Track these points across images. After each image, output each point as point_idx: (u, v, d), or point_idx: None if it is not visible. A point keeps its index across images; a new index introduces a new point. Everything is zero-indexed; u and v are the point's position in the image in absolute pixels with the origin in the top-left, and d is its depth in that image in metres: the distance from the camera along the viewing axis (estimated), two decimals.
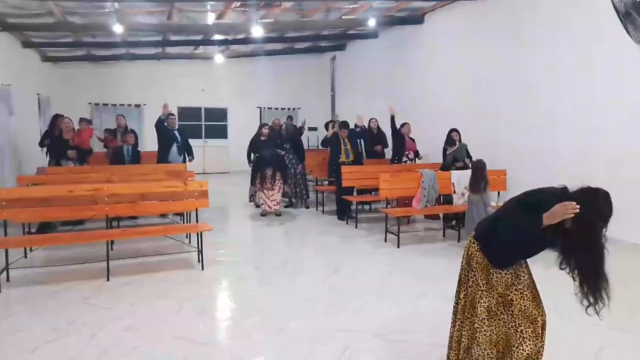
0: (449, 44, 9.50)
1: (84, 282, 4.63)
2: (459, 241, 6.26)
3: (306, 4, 9.38)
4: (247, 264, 5.49)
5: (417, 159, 8.54)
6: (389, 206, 7.00)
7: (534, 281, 2.47)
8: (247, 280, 4.93)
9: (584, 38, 6.56)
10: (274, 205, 8.05)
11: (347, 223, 7.63)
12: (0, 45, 9.53)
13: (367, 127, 9.30)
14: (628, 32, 5.86)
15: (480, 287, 2.42)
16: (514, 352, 2.34)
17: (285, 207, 8.84)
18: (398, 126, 8.50)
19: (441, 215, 7.19)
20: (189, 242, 6.16)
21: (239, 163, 9.32)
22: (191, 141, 8.95)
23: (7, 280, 4.68)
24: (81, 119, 8.31)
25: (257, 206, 8.54)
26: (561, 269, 2.29)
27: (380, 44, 12.31)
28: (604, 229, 2.13)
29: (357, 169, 7.68)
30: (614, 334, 3.44)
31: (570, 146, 6.73)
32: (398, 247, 6.05)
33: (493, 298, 2.41)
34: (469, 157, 7.20)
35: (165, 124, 8.15)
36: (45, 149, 8.07)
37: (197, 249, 5.32)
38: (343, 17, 10.52)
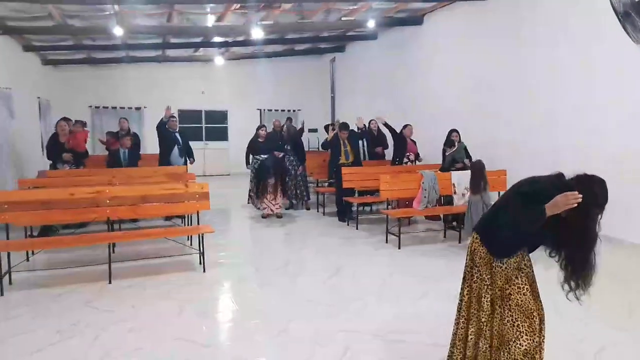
0: (449, 45, 9.51)
1: (86, 285, 4.65)
2: (459, 242, 6.25)
3: (306, 5, 9.39)
4: (248, 265, 5.50)
5: (417, 161, 8.54)
6: (389, 207, 7.01)
7: (534, 276, 2.48)
8: (248, 281, 4.94)
9: (584, 38, 6.56)
10: (277, 208, 8.12)
11: (347, 224, 7.64)
12: (0, 48, 9.55)
13: (367, 128, 9.32)
14: (627, 32, 5.86)
15: (485, 281, 2.43)
16: (511, 347, 2.34)
17: (286, 208, 8.86)
18: (398, 129, 8.47)
19: (442, 216, 7.20)
20: (191, 244, 6.18)
21: (240, 165, 9.31)
22: (192, 143, 8.98)
23: (10, 283, 4.70)
24: (76, 121, 8.25)
25: (257, 208, 8.57)
26: (550, 256, 2.31)
27: (380, 45, 12.32)
28: (599, 216, 2.14)
29: (357, 170, 7.68)
30: (614, 333, 3.45)
31: (570, 146, 6.73)
32: (399, 248, 6.06)
33: (495, 292, 2.42)
34: (469, 157, 7.20)
35: (167, 126, 8.18)
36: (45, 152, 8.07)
37: (198, 251, 5.33)
38: (342, 19, 10.53)
